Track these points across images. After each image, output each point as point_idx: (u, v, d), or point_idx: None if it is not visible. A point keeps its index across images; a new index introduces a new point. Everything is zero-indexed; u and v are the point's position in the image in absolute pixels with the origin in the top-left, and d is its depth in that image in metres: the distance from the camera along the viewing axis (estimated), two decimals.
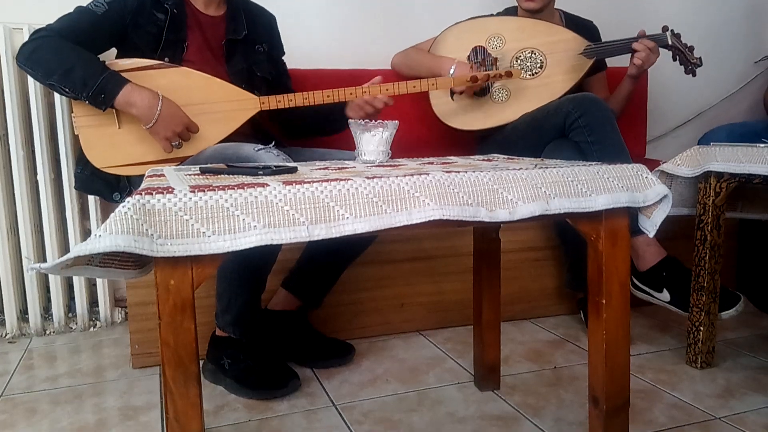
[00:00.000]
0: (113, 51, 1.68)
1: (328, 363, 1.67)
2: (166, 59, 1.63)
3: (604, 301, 1.09)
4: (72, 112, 1.60)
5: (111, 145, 1.60)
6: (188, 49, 1.67)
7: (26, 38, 1.80)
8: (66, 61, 1.50)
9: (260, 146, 1.47)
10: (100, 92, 1.50)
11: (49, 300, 2.00)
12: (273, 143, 1.53)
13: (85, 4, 1.61)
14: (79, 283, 2.00)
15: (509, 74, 1.82)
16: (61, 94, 1.62)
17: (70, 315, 2.02)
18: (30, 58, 1.52)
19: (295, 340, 1.69)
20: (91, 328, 2.02)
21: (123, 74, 1.54)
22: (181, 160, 1.60)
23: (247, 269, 1.53)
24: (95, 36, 1.59)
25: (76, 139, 1.89)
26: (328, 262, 1.71)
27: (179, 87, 1.59)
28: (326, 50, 2.33)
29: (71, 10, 1.60)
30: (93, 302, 2.06)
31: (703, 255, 1.58)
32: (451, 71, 1.99)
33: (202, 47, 1.70)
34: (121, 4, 1.61)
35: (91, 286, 2.05)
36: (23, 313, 1.98)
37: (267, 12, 1.90)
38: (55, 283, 1.96)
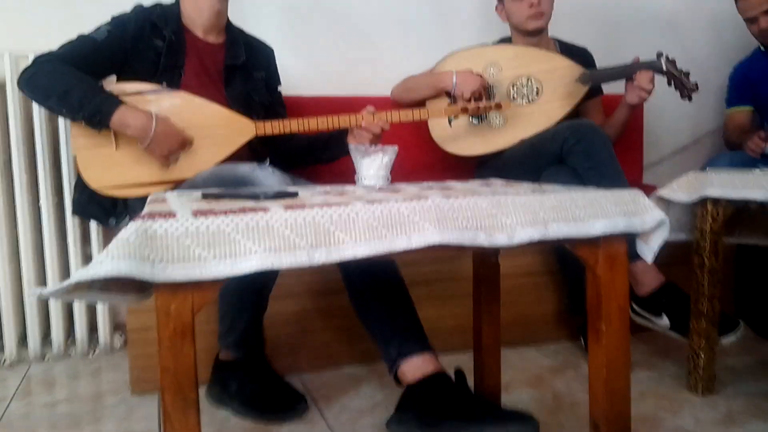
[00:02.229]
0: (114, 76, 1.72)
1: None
2: (164, 84, 1.66)
3: (603, 327, 1.10)
4: (70, 133, 1.64)
5: (107, 166, 1.62)
6: (185, 75, 1.70)
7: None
8: (64, 83, 1.54)
9: (255, 165, 1.50)
10: (95, 113, 1.53)
11: (48, 325, 1.99)
12: (268, 162, 1.55)
13: (84, 33, 1.65)
14: (79, 309, 1.99)
15: (498, 106, 1.84)
16: (59, 115, 1.66)
17: (69, 340, 2.02)
18: (30, 80, 1.56)
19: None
20: (91, 354, 2.01)
21: (122, 98, 1.57)
22: (177, 183, 1.62)
23: (248, 290, 1.54)
24: (96, 62, 1.63)
25: (77, 164, 1.91)
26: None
27: (177, 111, 1.62)
28: (323, 77, 2.36)
29: (74, 36, 1.64)
30: (92, 328, 2.06)
31: (702, 280, 1.58)
32: (454, 81, 2.02)
33: (199, 73, 1.73)
34: (121, 31, 1.65)
35: (91, 312, 2.05)
36: (23, 339, 1.98)
37: (265, 44, 1.94)
38: (55, 308, 1.96)
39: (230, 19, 1.83)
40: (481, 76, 2.03)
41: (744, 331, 1.66)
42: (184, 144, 1.62)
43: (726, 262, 1.86)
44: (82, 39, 1.64)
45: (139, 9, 1.71)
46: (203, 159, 1.64)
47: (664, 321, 1.73)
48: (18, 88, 1.61)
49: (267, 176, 1.45)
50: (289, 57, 2.03)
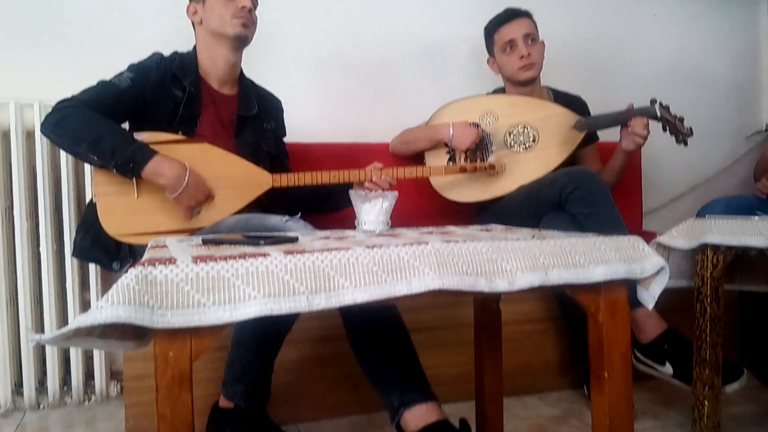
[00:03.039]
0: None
1: None
2: (180, 132, 1.68)
3: (606, 374, 1.09)
4: (93, 180, 1.64)
5: (127, 214, 1.62)
6: (201, 124, 1.73)
7: (37, 113, 1.86)
8: (95, 130, 1.54)
9: (287, 217, 1.50)
10: (129, 161, 1.53)
11: (44, 373, 1.97)
12: (300, 214, 1.56)
13: (107, 78, 1.67)
14: (75, 356, 1.97)
15: (492, 167, 1.96)
16: (86, 162, 1.66)
17: (65, 388, 1.99)
18: (58, 125, 1.55)
19: None
20: (86, 402, 1.97)
21: (153, 147, 1.58)
22: (195, 231, 1.62)
23: (264, 337, 1.52)
24: (117, 109, 1.64)
25: (78, 210, 1.92)
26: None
27: (198, 161, 1.64)
28: (326, 125, 2.41)
29: (80, 87, 1.65)
30: (89, 375, 2.03)
31: (704, 327, 1.57)
32: (451, 133, 2.05)
33: (213, 122, 1.76)
34: (143, 79, 1.67)
35: (88, 359, 2.03)
36: (18, 386, 1.95)
37: (275, 96, 1.99)
38: (52, 355, 1.94)
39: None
40: (477, 126, 2.06)
41: (748, 379, 1.64)
42: (209, 197, 1.64)
43: (728, 309, 1.85)
44: (104, 85, 1.65)
45: (158, 57, 1.74)
46: (220, 209, 1.66)
47: (668, 369, 1.71)
48: (42, 133, 1.60)
49: (300, 228, 1.46)
50: (293, 106, 2.07)
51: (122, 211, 1.62)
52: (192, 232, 1.62)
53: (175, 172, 1.56)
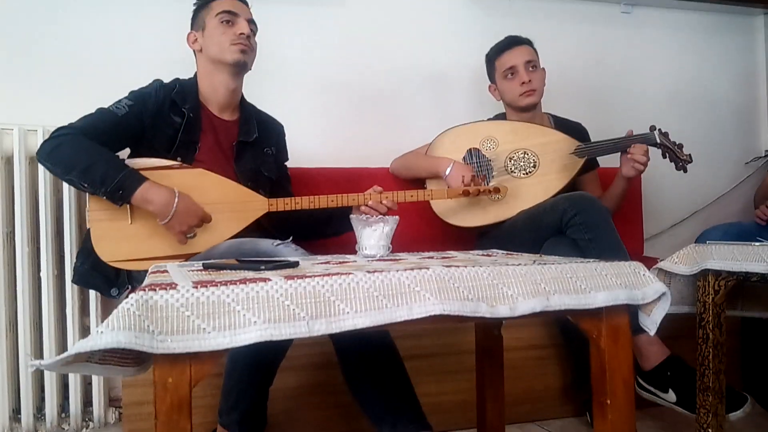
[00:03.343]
0: (126, 150, 1.75)
1: None
2: (179, 159, 1.69)
3: (608, 401, 1.08)
4: (87, 206, 1.64)
5: (121, 240, 1.63)
6: (200, 150, 1.74)
7: (40, 139, 1.88)
8: (86, 158, 1.55)
9: (278, 241, 1.50)
10: (119, 188, 1.54)
11: (42, 399, 1.95)
12: (291, 238, 1.56)
13: (105, 106, 1.68)
14: (74, 382, 1.96)
15: (497, 190, 1.95)
16: (78, 189, 1.66)
17: (63, 415, 1.96)
18: (51, 154, 1.57)
19: None
20: (84, 429, 1.95)
21: (143, 173, 1.59)
22: (190, 257, 1.62)
23: (257, 365, 1.50)
24: (115, 136, 1.66)
25: (80, 235, 1.93)
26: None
27: (193, 187, 1.64)
28: (328, 150, 2.42)
29: (83, 113, 1.67)
30: (87, 402, 2.01)
31: (707, 354, 1.56)
32: (448, 170, 2.06)
33: (213, 148, 1.77)
34: (141, 107, 1.69)
35: (86, 385, 2.01)
36: (16, 413, 1.93)
37: (276, 121, 2.00)
38: (50, 381, 1.92)
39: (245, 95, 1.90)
40: (471, 169, 2.07)
41: (752, 407, 1.62)
42: (203, 220, 1.63)
43: (731, 335, 1.84)
44: (102, 112, 1.67)
45: (158, 85, 1.76)
46: (216, 234, 1.66)
47: (671, 396, 1.69)
48: (38, 160, 1.61)
49: (290, 253, 1.46)
50: (295, 131, 2.08)
51: (116, 237, 1.63)
52: (186, 257, 1.62)
53: (164, 198, 1.56)
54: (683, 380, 1.68)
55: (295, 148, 2.05)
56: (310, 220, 1.88)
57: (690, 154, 2.07)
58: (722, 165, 2.96)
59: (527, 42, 2.20)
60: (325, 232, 1.91)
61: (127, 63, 2.20)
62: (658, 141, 2.05)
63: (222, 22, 1.74)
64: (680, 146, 2.08)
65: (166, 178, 1.62)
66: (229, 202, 1.69)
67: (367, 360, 1.41)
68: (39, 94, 2.13)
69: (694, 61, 2.94)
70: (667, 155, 2.09)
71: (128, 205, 1.60)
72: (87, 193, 1.62)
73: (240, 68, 1.78)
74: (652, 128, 2.07)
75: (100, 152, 1.57)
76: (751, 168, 3.00)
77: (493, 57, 2.23)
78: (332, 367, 1.74)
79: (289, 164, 2.03)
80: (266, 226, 1.84)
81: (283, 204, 1.74)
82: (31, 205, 1.94)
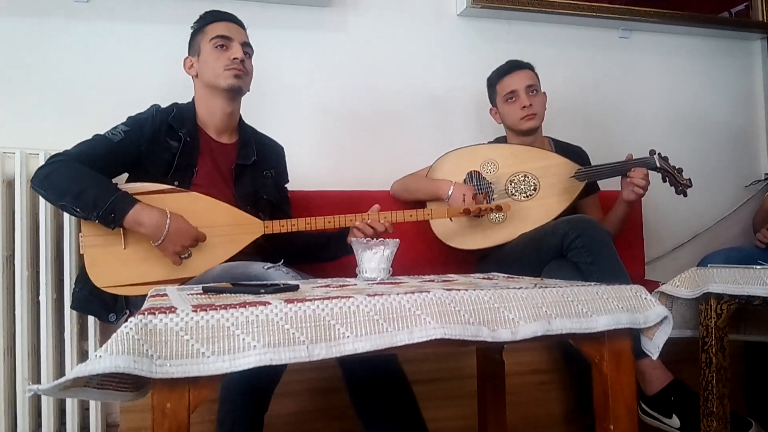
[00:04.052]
0: (125, 174, 1.75)
1: None
2: (176, 183, 1.69)
3: (612, 427, 1.06)
4: (80, 231, 1.64)
5: (114, 265, 1.62)
6: (198, 174, 1.74)
7: (42, 163, 1.88)
8: (79, 183, 1.55)
9: (269, 264, 1.49)
10: (110, 212, 1.54)
11: (39, 424, 1.93)
12: (282, 261, 1.55)
13: (100, 132, 1.69)
14: (71, 408, 1.94)
15: (499, 208, 1.92)
16: (71, 214, 1.66)
17: None
18: (44, 180, 1.57)
19: None
20: None
21: (135, 196, 1.59)
22: (184, 281, 1.61)
23: (251, 392, 1.48)
24: (110, 162, 1.66)
25: (80, 260, 1.92)
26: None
27: (187, 210, 1.64)
28: (327, 172, 2.43)
29: (84, 137, 1.68)
30: (84, 427, 1.99)
31: (710, 378, 1.55)
32: (449, 192, 2.06)
33: (211, 172, 1.77)
34: (137, 133, 1.70)
35: (83, 410, 1.99)
36: None
37: (276, 143, 2.00)
38: (48, 406, 1.90)
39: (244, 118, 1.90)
40: (472, 188, 2.07)
41: (757, 431, 1.61)
42: (197, 240, 1.62)
43: (735, 360, 1.82)
44: (97, 139, 1.68)
45: (155, 110, 1.76)
46: (211, 257, 1.65)
47: (675, 422, 1.67)
48: (31, 187, 1.62)
49: (281, 276, 1.45)
50: (296, 154, 2.09)
51: (109, 262, 1.62)
52: (181, 281, 1.61)
53: (155, 220, 1.56)
54: (687, 405, 1.66)
55: (295, 170, 2.05)
56: (307, 244, 1.87)
57: (690, 179, 2.07)
58: (722, 188, 2.97)
59: (528, 66, 2.23)
60: (321, 256, 1.91)
61: (128, 88, 2.22)
62: (658, 165, 2.06)
63: (216, 47, 1.75)
64: (680, 170, 2.09)
65: (159, 202, 1.62)
66: (224, 225, 1.68)
67: (376, 384, 1.40)
68: (41, 118, 2.14)
69: (692, 86, 2.96)
70: (667, 179, 2.10)
71: (121, 230, 1.60)
72: (80, 219, 1.62)
73: (235, 93, 1.79)
74: (652, 152, 2.09)
75: (92, 177, 1.58)
76: (751, 191, 3.00)
77: (494, 81, 2.25)
78: (331, 392, 1.73)
79: (289, 187, 2.02)
80: (268, 249, 1.83)
81: (279, 226, 1.73)
82: (31, 229, 1.94)
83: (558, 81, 2.32)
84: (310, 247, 1.88)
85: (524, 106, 2.15)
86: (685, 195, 2.08)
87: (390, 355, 1.41)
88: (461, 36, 2.63)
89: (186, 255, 1.61)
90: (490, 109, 2.29)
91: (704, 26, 2.89)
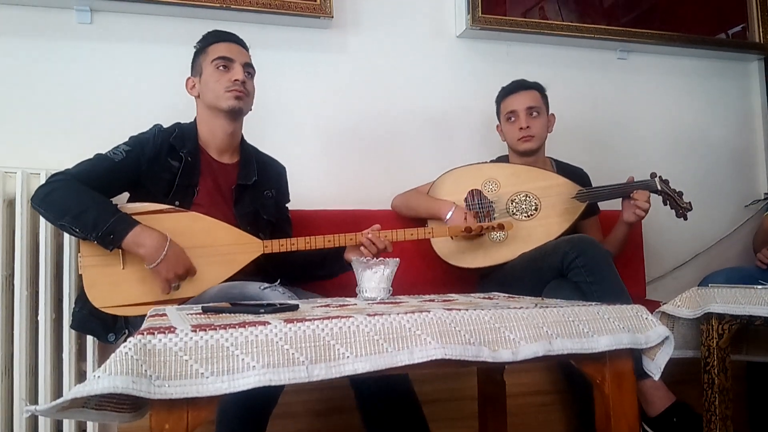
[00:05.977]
0: (125, 194, 1.75)
1: None
2: (177, 203, 1.69)
3: None
4: (79, 251, 1.63)
5: (112, 285, 1.61)
6: (198, 194, 1.74)
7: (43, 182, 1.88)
8: (78, 203, 1.56)
9: (266, 285, 1.48)
10: (110, 233, 1.54)
11: None
12: (278, 281, 1.54)
13: (102, 152, 1.70)
14: (68, 429, 1.92)
15: (501, 227, 1.92)
16: (71, 234, 1.66)
17: None
18: (45, 199, 1.58)
19: None
20: None
21: (134, 216, 1.59)
22: (181, 301, 1.61)
23: (249, 413, 1.47)
24: (111, 182, 1.67)
25: (79, 280, 1.91)
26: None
27: (186, 230, 1.64)
28: (328, 192, 2.43)
29: (86, 156, 1.69)
30: None
31: (713, 399, 1.54)
32: (449, 215, 2.06)
33: (212, 191, 1.77)
34: (138, 152, 1.70)
35: None
36: None
37: (278, 163, 2.00)
38: (45, 427, 1.88)
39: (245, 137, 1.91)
40: (473, 214, 2.07)
41: None
42: (188, 272, 1.62)
43: (737, 380, 1.81)
44: (98, 158, 1.68)
45: (157, 129, 1.77)
46: (209, 277, 1.64)
47: None
48: (31, 206, 1.62)
49: (277, 296, 1.44)
50: (297, 173, 2.10)
51: (108, 283, 1.61)
52: (179, 302, 1.60)
53: (155, 242, 1.56)
54: (690, 427, 1.64)
55: (297, 190, 2.06)
56: (304, 262, 1.87)
57: (690, 202, 2.08)
58: (722, 208, 2.97)
59: (535, 87, 2.23)
60: (318, 275, 1.90)
61: (130, 108, 2.23)
62: (659, 188, 2.07)
63: (218, 68, 1.76)
64: (680, 194, 2.09)
65: (158, 222, 1.62)
66: (222, 245, 1.68)
67: (388, 404, 1.39)
68: (43, 137, 2.15)
69: (690, 107, 2.98)
70: (668, 202, 2.10)
71: (120, 251, 1.59)
72: (79, 239, 1.62)
73: (235, 114, 1.79)
74: (653, 175, 2.09)
75: (92, 197, 1.58)
76: (751, 211, 3.00)
77: (499, 99, 2.27)
78: (336, 413, 1.72)
79: (290, 206, 2.02)
80: (271, 270, 1.83)
81: (278, 245, 1.73)
82: (31, 249, 1.94)
83: (557, 102, 2.33)
84: (306, 265, 1.88)
85: (521, 128, 2.16)
86: (686, 219, 2.09)
87: (403, 375, 1.41)
88: (461, 57, 2.66)
89: (176, 285, 1.61)
90: (497, 126, 2.31)
91: (702, 47, 2.91)
